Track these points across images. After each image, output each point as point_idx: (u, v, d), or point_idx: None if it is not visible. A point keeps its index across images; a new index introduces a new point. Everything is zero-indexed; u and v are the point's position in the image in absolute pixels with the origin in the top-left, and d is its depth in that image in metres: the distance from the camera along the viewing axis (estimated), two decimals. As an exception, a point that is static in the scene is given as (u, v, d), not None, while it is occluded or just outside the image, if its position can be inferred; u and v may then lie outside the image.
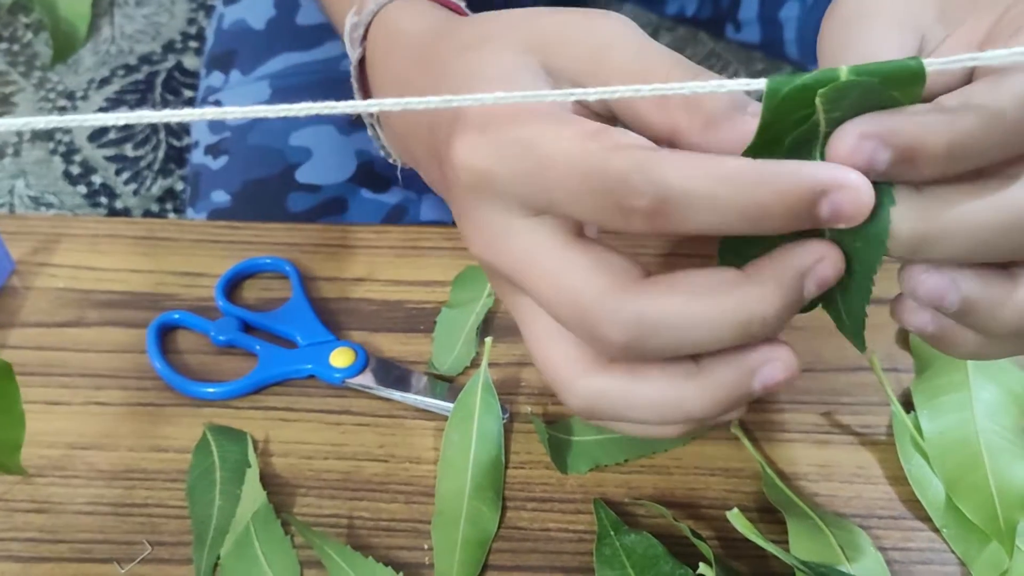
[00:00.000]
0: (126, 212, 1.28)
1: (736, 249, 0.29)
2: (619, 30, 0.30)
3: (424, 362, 0.46)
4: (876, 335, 0.46)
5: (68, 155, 1.33)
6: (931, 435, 0.41)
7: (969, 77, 0.28)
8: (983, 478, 0.39)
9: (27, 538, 0.41)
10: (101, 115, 0.20)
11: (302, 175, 0.60)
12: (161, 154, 1.32)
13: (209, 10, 1.46)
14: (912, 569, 0.39)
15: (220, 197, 0.61)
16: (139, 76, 1.41)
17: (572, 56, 0.30)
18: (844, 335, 0.31)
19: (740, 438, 0.42)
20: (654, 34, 0.73)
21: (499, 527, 0.40)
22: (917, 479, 0.41)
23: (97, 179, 1.31)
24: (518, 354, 0.46)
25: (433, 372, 0.45)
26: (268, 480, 0.42)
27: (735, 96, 0.27)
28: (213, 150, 0.63)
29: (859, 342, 0.30)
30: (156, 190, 1.30)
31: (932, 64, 0.25)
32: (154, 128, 1.33)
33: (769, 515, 0.40)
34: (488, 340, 0.44)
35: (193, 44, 1.45)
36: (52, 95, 1.40)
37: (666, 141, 0.29)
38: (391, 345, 0.47)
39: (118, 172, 1.32)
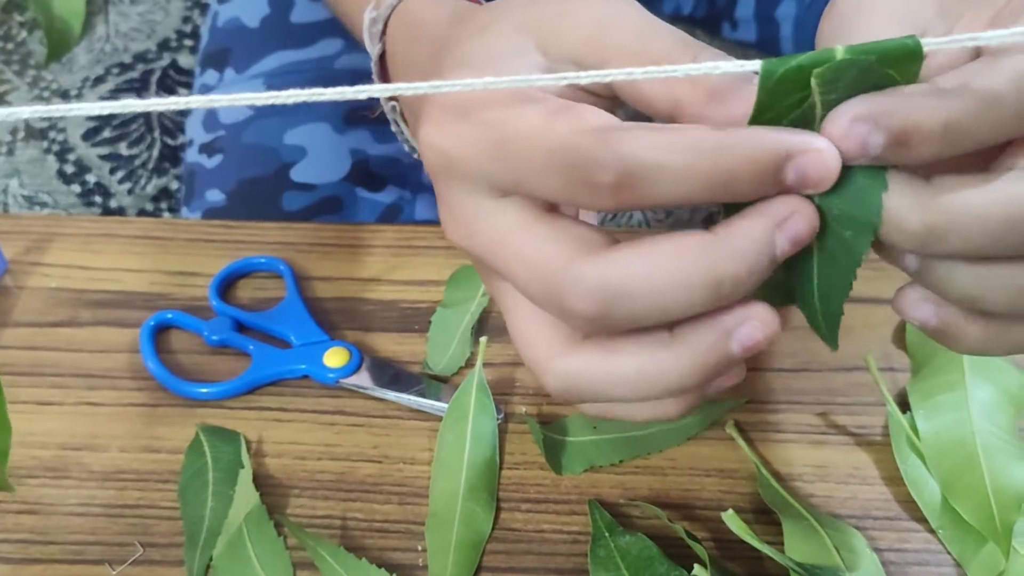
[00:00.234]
0: (120, 211, 1.28)
1: None
2: (619, 8, 0.30)
3: (419, 362, 0.46)
4: (872, 335, 0.46)
5: (62, 154, 1.33)
6: (927, 435, 0.41)
7: (972, 58, 0.28)
8: (979, 479, 0.39)
9: (18, 539, 0.40)
10: (85, 104, 0.20)
11: (297, 174, 0.60)
12: (155, 153, 1.32)
13: (204, 8, 1.46)
14: (908, 570, 0.39)
15: (215, 196, 0.61)
16: (134, 74, 1.41)
17: (571, 36, 0.30)
18: (816, 332, 0.30)
19: (735, 439, 0.42)
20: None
21: (493, 528, 0.40)
22: (913, 480, 0.41)
23: (91, 178, 1.31)
24: (513, 354, 0.46)
25: (428, 372, 0.45)
26: (261, 481, 0.42)
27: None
28: (207, 149, 0.63)
29: (832, 339, 0.29)
30: (151, 189, 1.29)
31: (929, 44, 0.24)
32: (148, 127, 1.33)
33: (764, 516, 0.40)
34: (483, 340, 0.44)
35: (188, 42, 1.44)
36: (46, 94, 1.39)
37: (668, 116, 0.28)
38: (385, 345, 0.46)
39: (112, 171, 1.31)
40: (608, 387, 0.29)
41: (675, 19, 0.78)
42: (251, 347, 0.46)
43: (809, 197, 0.26)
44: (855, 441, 0.43)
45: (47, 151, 1.34)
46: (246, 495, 0.40)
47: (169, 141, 1.32)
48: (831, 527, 0.39)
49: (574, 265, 0.27)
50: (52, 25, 1.42)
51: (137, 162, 1.31)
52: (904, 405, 0.42)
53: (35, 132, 1.34)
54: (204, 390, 0.44)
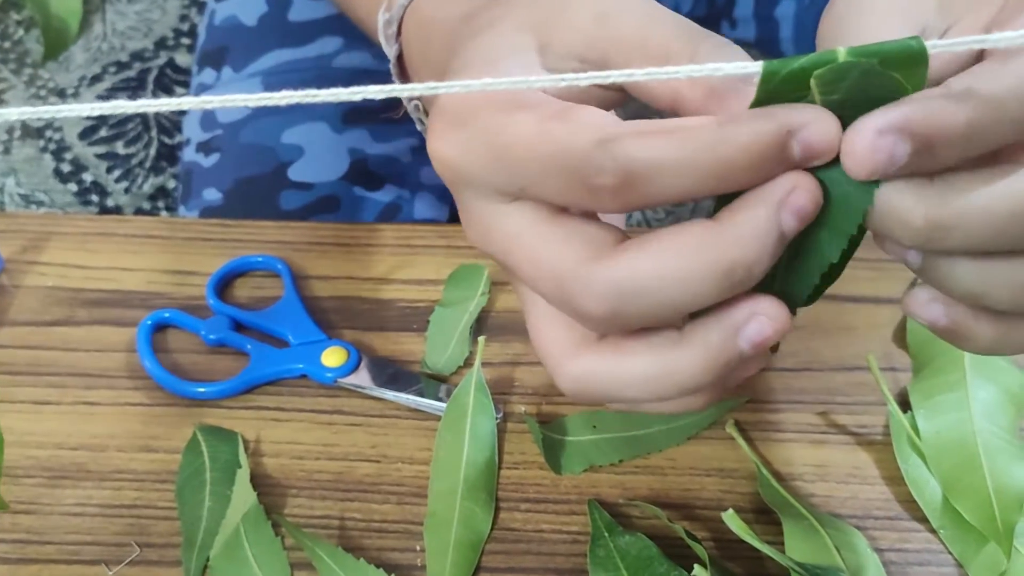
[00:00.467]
0: (117, 210, 1.28)
1: None
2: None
3: (417, 361, 0.46)
4: (873, 335, 0.46)
5: (59, 153, 1.33)
6: (928, 435, 0.41)
7: (975, 56, 0.28)
8: (980, 479, 0.39)
9: (14, 539, 0.40)
10: (77, 105, 0.20)
11: (295, 173, 0.60)
12: (153, 152, 1.32)
13: (201, 7, 1.45)
14: (909, 570, 0.39)
15: (212, 195, 0.61)
16: (131, 73, 1.40)
17: (572, 31, 0.29)
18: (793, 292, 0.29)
19: (735, 438, 0.42)
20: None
21: (492, 528, 0.40)
22: (914, 479, 0.41)
23: (88, 177, 1.30)
24: (512, 353, 0.46)
25: (426, 371, 0.45)
26: (259, 481, 0.42)
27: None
28: (205, 148, 0.63)
29: (805, 302, 0.29)
30: (148, 188, 1.29)
31: (935, 47, 0.24)
32: (146, 126, 1.33)
33: (764, 516, 0.40)
34: (481, 339, 0.44)
35: (185, 41, 1.44)
36: (43, 92, 1.39)
37: (670, 110, 0.28)
38: (384, 344, 0.46)
39: (109, 170, 1.31)
40: (620, 388, 0.28)
41: (674, 18, 0.78)
42: (249, 346, 0.46)
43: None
44: (856, 441, 0.43)
45: (44, 150, 1.34)
46: (244, 495, 0.40)
47: (166, 140, 1.32)
48: (832, 527, 0.39)
49: (583, 267, 0.27)
50: (49, 23, 1.42)
51: (134, 161, 1.31)
52: (905, 405, 0.42)
53: (31, 131, 1.34)
54: (202, 389, 0.44)
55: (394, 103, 0.60)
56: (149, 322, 0.46)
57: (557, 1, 0.30)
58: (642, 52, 0.28)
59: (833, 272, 0.28)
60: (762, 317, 0.27)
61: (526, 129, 0.27)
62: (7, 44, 1.44)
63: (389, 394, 0.44)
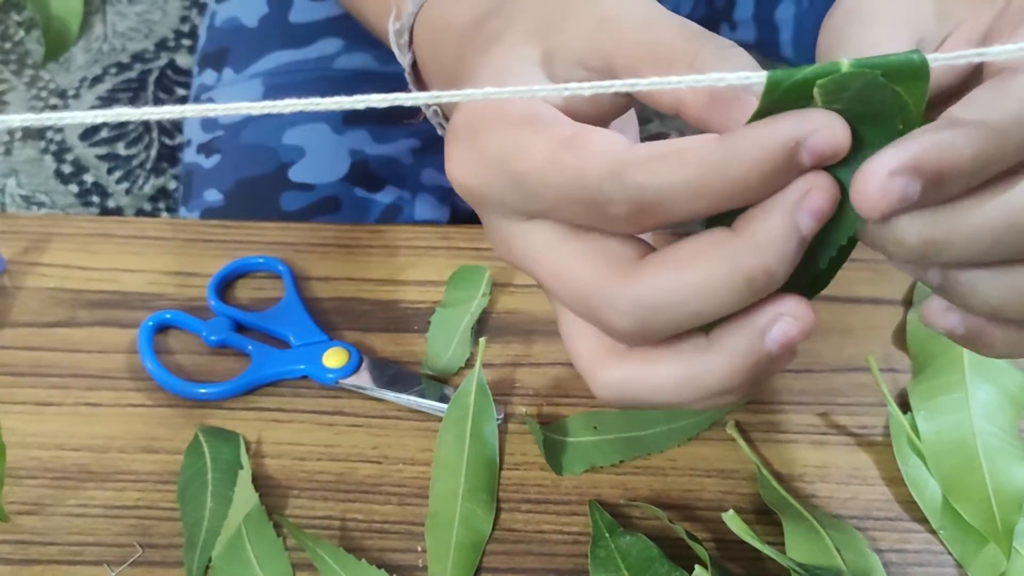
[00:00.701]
0: (118, 211, 1.28)
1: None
2: (620, 4, 0.30)
3: (418, 362, 0.46)
4: (873, 336, 0.46)
5: (60, 154, 1.33)
6: (928, 436, 0.41)
7: (972, 74, 0.28)
8: (980, 479, 0.39)
9: (17, 540, 0.40)
10: (78, 113, 0.20)
11: (295, 174, 0.60)
12: (153, 153, 1.32)
13: (202, 8, 1.45)
14: (909, 571, 0.39)
15: (213, 196, 0.61)
16: (131, 74, 1.40)
17: (575, 38, 0.30)
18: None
19: (736, 439, 0.42)
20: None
21: (493, 529, 0.40)
22: (914, 480, 0.41)
23: (89, 178, 1.31)
24: (513, 354, 0.46)
25: (427, 372, 0.45)
26: (260, 481, 0.42)
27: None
28: (206, 149, 0.63)
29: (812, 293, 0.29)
30: (148, 189, 1.29)
31: (936, 60, 0.24)
32: (146, 127, 1.33)
33: (765, 517, 0.40)
34: (482, 340, 0.44)
35: (186, 42, 1.44)
36: (44, 93, 1.39)
37: (674, 115, 0.28)
38: (385, 345, 0.46)
39: (110, 171, 1.31)
40: (652, 395, 0.29)
41: (674, 20, 0.78)
42: (250, 347, 0.46)
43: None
44: (856, 442, 0.43)
45: (45, 151, 1.34)
46: (245, 496, 0.40)
47: (167, 141, 1.32)
48: (832, 528, 0.39)
49: (607, 284, 0.27)
50: (50, 25, 1.42)
51: (135, 162, 1.31)
52: (905, 406, 0.42)
53: (33, 132, 1.34)
54: (203, 390, 0.44)
55: (408, 110, 0.61)
56: (150, 323, 0.46)
57: (560, 8, 0.30)
58: (645, 57, 0.28)
59: (820, 281, 0.28)
60: (787, 317, 0.27)
61: (539, 156, 0.27)
62: (8, 45, 1.44)
63: (390, 395, 0.44)
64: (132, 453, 0.43)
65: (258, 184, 0.60)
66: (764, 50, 0.74)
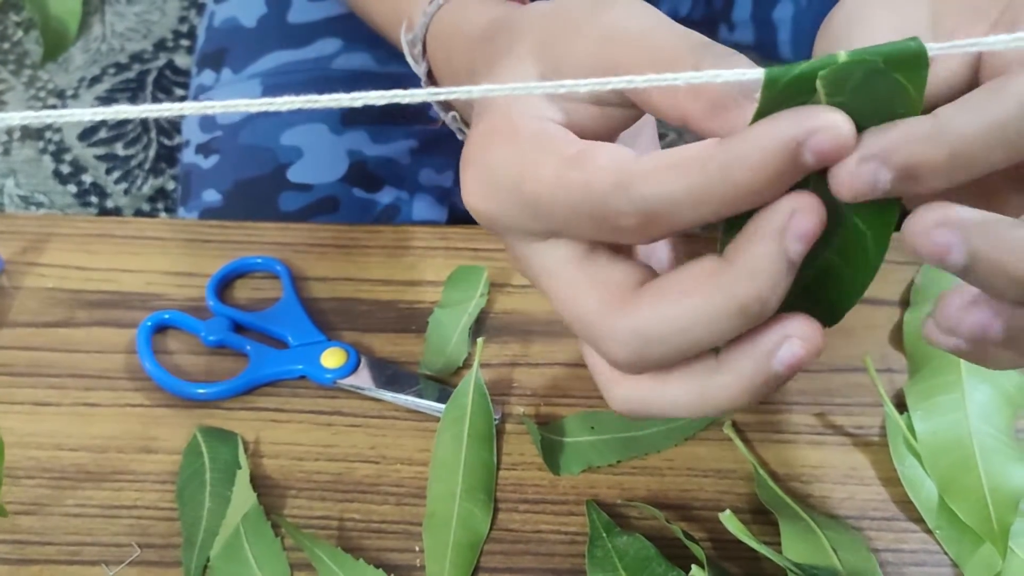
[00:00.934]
0: (117, 211, 1.28)
1: (734, 228, 0.29)
2: (623, 18, 0.30)
3: (416, 362, 0.46)
4: (870, 336, 0.46)
5: (58, 154, 1.33)
6: (924, 436, 0.41)
7: (966, 85, 0.28)
8: (976, 479, 0.39)
9: (15, 540, 0.40)
10: (77, 110, 0.20)
11: (294, 174, 0.60)
12: (152, 153, 1.32)
13: (201, 8, 1.45)
14: (905, 571, 0.39)
15: (211, 196, 0.61)
16: (130, 75, 1.40)
17: (579, 53, 0.30)
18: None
19: (733, 439, 0.42)
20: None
21: (491, 529, 0.40)
22: (910, 480, 0.41)
23: (87, 178, 1.31)
24: (510, 355, 0.46)
25: (425, 373, 0.45)
26: (258, 481, 0.42)
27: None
28: (204, 149, 0.63)
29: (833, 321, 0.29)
30: (147, 189, 1.29)
31: (933, 49, 0.24)
32: (145, 127, 1.33)
33: (762, 516, 0.40)
34: (480, 341, 0.44)
35: (185, 42, 1.44)
36: (42, 94, 1.39)
37: (680, 126, 0.29)
38: (383, 345, 0.46)
39: (108, 171, 1.31)
40: (663, 411, 0.30)
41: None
42: (248, 347, 0.46)
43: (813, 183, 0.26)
44: (852, 442, 0.43)
45: (43, 151, 1.34)
46: (243, 496, 0.40)
47: (165, 141, 1.32)
48: (828, 527, 0.39)
49: (607, 316, 0.28)
50: (48, 25, 1.42)
51: (133, 162, 1.31)
52: (901, 406, 0.43)
53: (31, 132, 1.34)
54: (201, 390, 0.44)
55: (411, 112, 0.61)
56: (149, 323, 0.46)
57: (563, 25, 0.31)
58: (647, 71, 0.28)
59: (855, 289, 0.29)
60: (794, 339, 0.27)
61: (547, 176, 0.28)
62: (6, 45, 1.44)
63: (388, 395, 0.44)
64: (130, 453, 0.43)
65: (256, 184, 0.60)
66: (762, 51, 0.74)
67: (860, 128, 0.25)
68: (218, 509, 0.40)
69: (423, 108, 0.63)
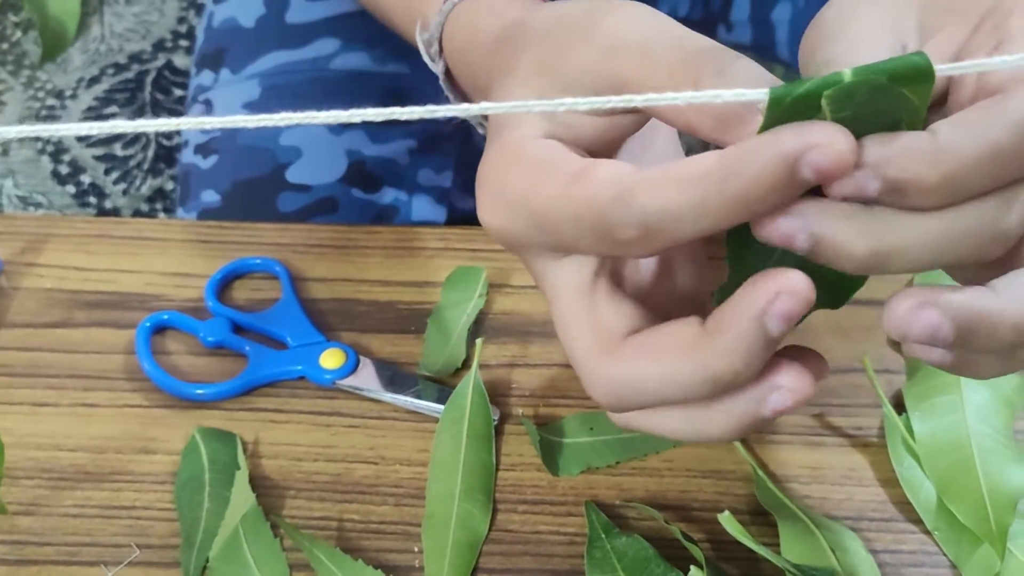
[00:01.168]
0: (115, 212, 1.28)
1: (739, 240, 0.29)
2: (622, 25, 0.30)
3: (415, 363, 0.46)
4: (868, 337, 0.46)
5: (57, 155, 1.33)
6: (923, 437, 0.41)
7: (946, 87, 0.29)
8: (975, 480, 0.39)
9: (13, 541, 0.40)
10: (72, 125, 0.20)
11: (292, 175, 0.60)
12: (151, 153, 1.32)
13: (199, 9, 1.45)
14: (903, 572, 0.39)
15: (210, 197, 0.61)
16: (129, 75, 1.40)
17: (581, 68, 0.30)
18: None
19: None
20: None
21: (490, 529, 0.40)
22: (908, 481, 0.41)
23: (86, 179, 1.30)
24: (509, 355, 0.46)
25: (424, 373, 0.45)
26: (257, 482, 0.42)
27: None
28: (203, 149, 0.63)
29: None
30: (146, 190, 1.29)
31: (942, 71, 0.24)
32: (144, 127, 1.32)
33: (760, 518, 0.40)
34: (479, 341, 0.44)
35: (183, 43, 1.44)
36: (41, 94, 1.39)
37: (687, 132, 0.29)
38: (382, 346, 0.46)
39: (107, 172, 1.31)
40: (654, 432, 0.31)
41: (671, 21, 0.79)
42: (247, 348, 0.46)
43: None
44: (851, 443, 0.43)
45: (42, 151, 1.34)
46: (242, 496, 0.40)
47: (164, 142, 1.32)
48: (827, 528, 0.39)
49: (591, 360, 0.29)
50: (47, 25, 1.42)
51: (132, 163, 1.31)
52: (900, 407, 0.43)
53: (29, 132, 1.33)
54: (200, 391, 0.44)
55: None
56: (148, 324, 0.46)
57: (566, 37, 0.31)
58: (648, 84, 0.29)
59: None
60: (784, 390, 0.28)
61: (551, 195, 0.28)
62: (5, 46, 1.44)
63: (387, 396, 0.44)
64: (129, 454, 0.43)
65: (255, 185, 0.60)
66: (760, 51, 0.74)
67: (864, 135, 0.26)
68: (217, 510, 0.40)
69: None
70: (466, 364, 0.45)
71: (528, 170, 0.30)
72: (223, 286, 0.49)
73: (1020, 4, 0.28)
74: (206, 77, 0.66)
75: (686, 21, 0.77)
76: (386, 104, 0.23)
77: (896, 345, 0.46)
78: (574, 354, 0.30)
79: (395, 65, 0.63)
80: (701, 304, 0.34)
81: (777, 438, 0.43)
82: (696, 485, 0.42)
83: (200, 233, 0.51)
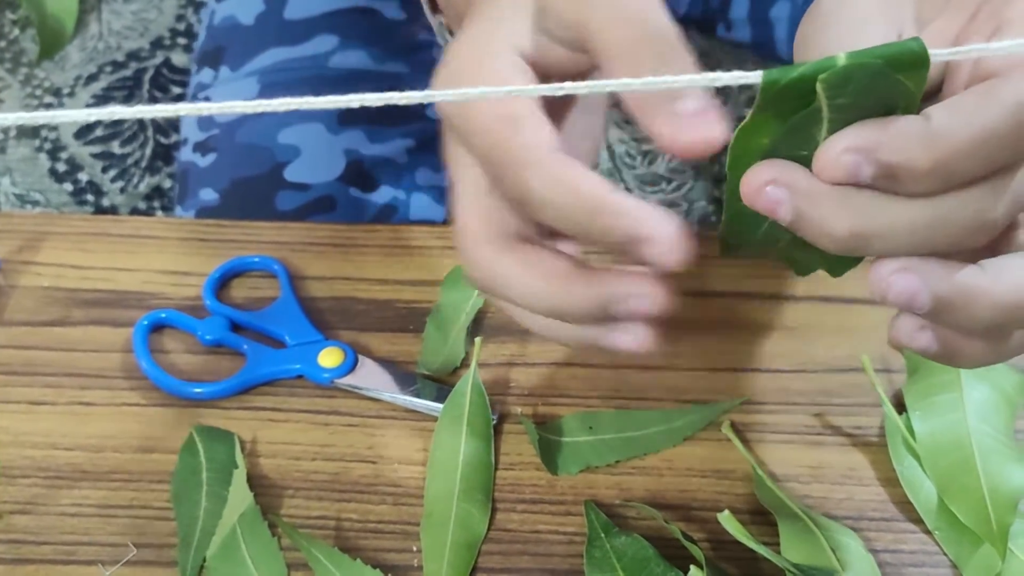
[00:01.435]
0: (113, 210, 1.27)
1: (737, 229, 0.30)
2: (601, 17, 0.30)
3: (413, 362, 0.46)
4: (868, 336, 0.46)
5: (54, 152, 1.32)
6: (923, 436, 0.41)
7: (942, 73, 0.29)
8: (975, 480, 0.39)
9: (10, 540, 0.40)
10: (72, 111, 0.20)
11: (291, 173, 0.60)
12: (148, 151, 1.31)
13: (198, 7, 1.45)
14: (904, 572, 0.39)
15: (208, 195, 0.61)
16: (127, 73, 1.40)
17: (561, 21, 0.31)
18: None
19: (731, 439, 0.42)
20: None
21: (489, 529, 0.40)
22: (909, 481, 0.41)
23: (83, 177, 1.30)
24: (508, 354, 0.46)
25: (423, 372, 0.45)
26: (255, 481, 0.42)
27: (702, 96, 0.27)
28: (202, 147, 0.63)
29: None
30: (143, 188, 1.29)
31: (937, 56, 0.24)
32: (141, 125, 1.32)
33: (760, 517, 0.40)
34: (478, 340, 0.44)
35: (182, 41, 1.44)
36: (39, 92, 1.39)
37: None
38: (380, 345, 0.46)
39: (105, 170, 1.31)
40: (508, 313, 0.33)
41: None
42: (245, 347, 0.46)
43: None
44: (851, 442, 0.43)
45: (39, 149, 1.33)
46: (240, 495, 0.40)
47: (162, 140, 1.32)
48: (827, 528, 0.39)
49: (476, 247, 0.32)
50: (45, 23, 1.42)
51: (130, 160, 1.31)
52: (900, 406, 0.42)
53: (27, 131, 1.33)
54: (198, 390, 0.44)
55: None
56: (145, 322, 0.46)
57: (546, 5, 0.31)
58: (608, 42, 0.29)
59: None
60: (625, 338, 0.31)
61: (507, 146, 0.30)
62: (2, 43, 1.44)
63: (386, 395, 0.44)
64: (126, 452, 0.43)
65: (253, 183, 0.60)
66: (760, 50, 0.74)
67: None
68: (214, 509, 0.40)
69: (419, 108, 0.62)
70: (465, 363, 0.45)
71: (495, 105, 0.30)
72: (221, 284, 0.49)
73: None
74: (206, 75, 0.65)
75: (685, 19, 0.77)
76: (385, 104, 0.23)
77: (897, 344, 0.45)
78: (463, 236, 0.32)
79: (394, 65, 0.63)
80: None
81: (777, 437, 0.43)
82: (696, 484, 0.41)
83: (198, 231, 0.51)
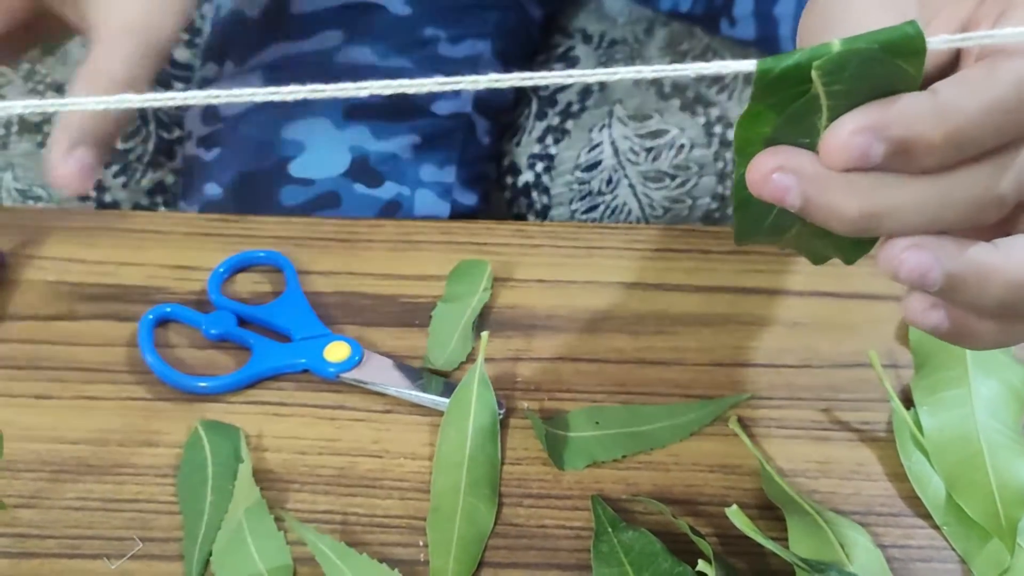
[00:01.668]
0: (115, 205, 1.27)
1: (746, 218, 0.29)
2: None
3: (419, 357, 0.45)
4: (875, 331, 0.46)
5: (57, 148, 1.32)
6: (931, 431, 0.41)
7: (951, 62, 0.28)
8: (984, 475, 0.39)
9: (15, 533, 0.40)
10: (80, 99, 0.20)
11: (295, 169, 0.60)
12: (151, 147, 1.31)
13: (199, 2, 1.45)
14: (912, 567, 0.39)
15: (212, 190, 0.61)
16: (129, 69, 1.40)
17: None
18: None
19: (739, 434, 0.42)
20: (649, 29, 0.73)
21: (495, 524, 0.40)
22: (917, 476, 0.41)
23: (86, 172, 1.30)
24: (514, 349, 0.46)
25: (429, 367, 0.45)
26: (261, 475, 0.41)
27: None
28: (206, 142, 0.62)
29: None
30: (146, 183, 1.29)
31: (933, 43, 0.24)
32: (144, 120, 1.32)
33: (768, 512, 0.40)
34: (484, 335, 0.44)
35: (183, 36, 1.44)
36: (41, 87, 1.38)
37: None
38: (386, 339, 0.46)
39: (107, 165, 1.30)
40: None
41: (673, 16, 0.78)
42: (251, 341, 0.45)
43: None
44: (859, 437, 0.43)
45: (41, 144, 1.33)
46: (246, 490, 0.40)
47: (164, 135, 1.32)
48: (835, 523, 0.39)
49: None
50: (46, 19, 1.41)
51: (132, 156, 1.30)
52: (908, 401, 0.42)
53: (29, 125, 1.33)
54: (203, 384, 0.44)
55: (419, 109, 0.61)
56: (150, 317, 0.46)
57: None
58: None
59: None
60: None
61: None
62: (4, 39, 1.44)
63: (392, 389, 0.44)
64: (131, 446, 0.43)
65: (258, 178, 0.60)
66: (764, 46, 0.74)
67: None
68: (220, 503, 0.40)
69: (425, 104, 0.62)
70: (471, 358, 0.45)
71: None
72: (226, 279, 0.48)
73: None
74: (210, 69, 0.65)
75: (689, 15, 0.76)
76: (390, 100, 0.23)
77: (904, 338, 0.45)
78: None
79: (397, 59, 0.62)
80: None
81: (784, 432, 0.43)
82: (703, 479, 0.41)
83: (202, 226, 0.51)
